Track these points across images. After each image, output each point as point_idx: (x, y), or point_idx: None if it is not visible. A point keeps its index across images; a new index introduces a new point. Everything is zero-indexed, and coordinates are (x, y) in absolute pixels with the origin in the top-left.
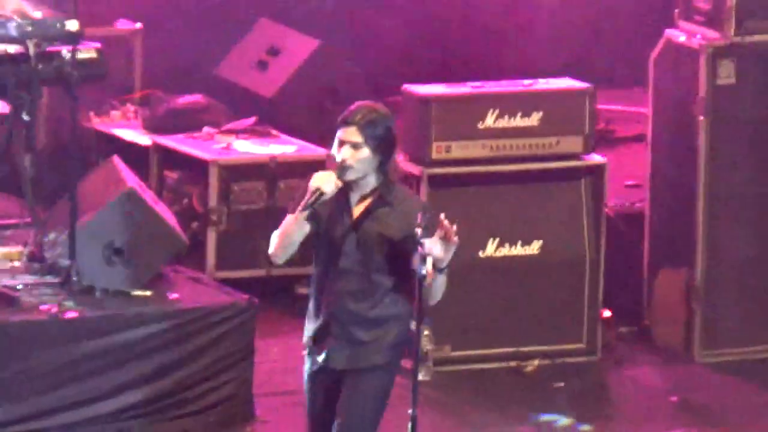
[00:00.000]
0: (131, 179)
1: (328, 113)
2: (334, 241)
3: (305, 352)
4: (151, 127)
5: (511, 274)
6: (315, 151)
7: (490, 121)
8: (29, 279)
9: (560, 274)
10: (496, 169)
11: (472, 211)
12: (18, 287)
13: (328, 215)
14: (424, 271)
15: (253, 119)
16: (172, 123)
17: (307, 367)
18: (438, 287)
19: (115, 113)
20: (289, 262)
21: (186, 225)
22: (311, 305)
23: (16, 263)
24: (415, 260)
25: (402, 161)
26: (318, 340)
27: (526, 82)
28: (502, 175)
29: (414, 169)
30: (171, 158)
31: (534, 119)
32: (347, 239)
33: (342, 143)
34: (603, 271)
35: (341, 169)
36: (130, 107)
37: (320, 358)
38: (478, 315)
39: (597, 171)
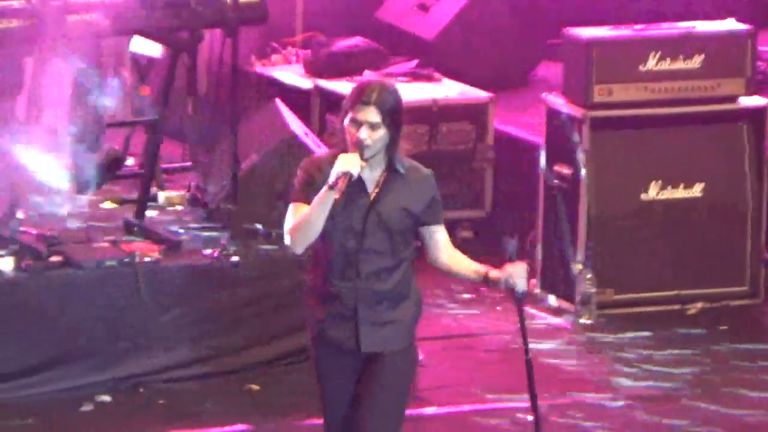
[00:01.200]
0: (293, 123)
1: (489, 56)
2: (353, 222)
3: (314, 336)
4: (313, 70)
5: (673, 216)
6: (477, 94)
7: (651, 63)
8: (192, 223)
9: (722, 216)
10: (657, 111)
11: (633, 154)
12: (180, 232)
13: (340, 197)
14: (524, 288)
15: (414, 62)
16: (334, 66)
17: (322, 352)
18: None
19: (277, 57)
20: (451, 206)
21: None
22: (319, 289)
23: (179, 207)
24: (511, 275)
25: (564, 104)
26: (339, 325)
27: (688, 24)
28: (663, 118)
29: (576, 111)
30: (332, 101)
31: (695, 62)
32: (369, 219)
33: (359, 123)
34: (766, 213)
35: (362, 148)
36: (292, 51)
37: (346, 342)
38: (641, 258)
39: (758, 113)
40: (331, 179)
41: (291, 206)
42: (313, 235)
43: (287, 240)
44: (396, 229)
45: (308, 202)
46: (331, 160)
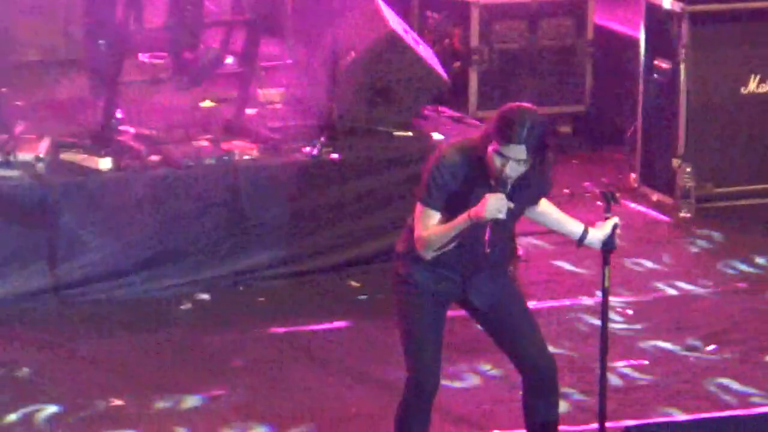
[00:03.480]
0: (392, 20)
1: None
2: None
3: (412, 290)
4: None
5: None
6: None
7: None
8: (292, 121)
9: None
10: (757, 5)
11: (732, 48)
12: (280, 129)
13: (474, 196)
14: (617, 241)
15: None
16: None
17: (429, 286)
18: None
19: None
20: (551, 102)
21: (447, 65)
22: (426, 261)
23: (278, 105)
24: (606, 228)
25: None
26: (445, 283)
27: None
28: (763, 12)
29: (675, 5)
30: None
31: None
32: (498, 220)
33: (506, 158)
34: None
35: (506, 180)
36: None
37: (452, 294)
38: (740, 151)
39: None
40: (475, 216)
41: (422, 209)
42: (445, 248)
43: (418, 245)
44: (519, 217)
45: (440, 209)
46: (466, 160)
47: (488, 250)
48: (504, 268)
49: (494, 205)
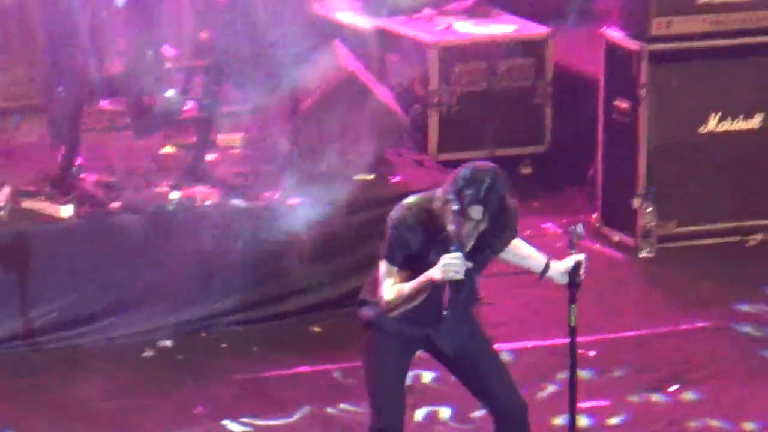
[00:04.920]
0: (352, 63)
1: None
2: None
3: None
4: (372, 10)
5: (733, 148)
6: (535, 29)
7: None
8: (252, 166)
9: None
10: (716, 43)
11: (692, 87)
12: (240, 174)
13: (434, 253)
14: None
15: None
16: (392, 6)
17: (388, 341)
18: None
19: None
20: (511, 143)
21: (407, 108)
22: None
23: (238, 150)
24: (568, 263)
25: (622, 38)
26: (416, 330)
27: None
28: (722, 50)
29: (633, 45)
30: (392, 41)
31: None
32: (467, 274)
33: (463, 218)
34: None
35: (462, 239)
36: None
37: (422, 338)
38: (701, 191)
39: None
40: (434, 278)
41: (385, 265)
42: (407, 306)
43: (381, 304)
44: (485, 269)
45: (402, 266)
46: (423, 220)
47: (446, 312)
48: (470, 313)
49: (450, 266)
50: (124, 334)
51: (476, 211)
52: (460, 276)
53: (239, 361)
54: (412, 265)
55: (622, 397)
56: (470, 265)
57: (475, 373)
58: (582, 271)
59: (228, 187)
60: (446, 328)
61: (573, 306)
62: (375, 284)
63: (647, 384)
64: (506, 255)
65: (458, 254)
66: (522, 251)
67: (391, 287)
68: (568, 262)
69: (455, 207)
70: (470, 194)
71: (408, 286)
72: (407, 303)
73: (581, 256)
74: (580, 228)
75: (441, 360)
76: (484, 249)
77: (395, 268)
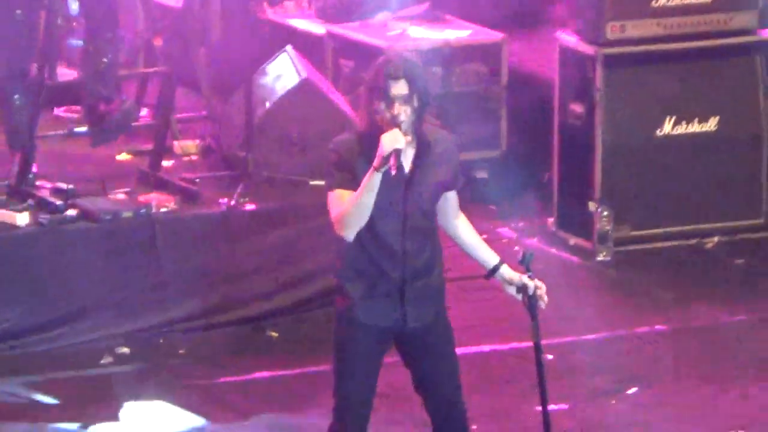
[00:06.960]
0: (306, 69)
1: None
2: (393, 203)
3: (347, 316)
4: (325, 15)
5: (688, 151)
6: (490, 34)
7: None
8: (207, 172)
9: (738, 150)
10: (671, 47)
11: (647, 90)
12: (196, 180)
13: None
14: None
15: (426, 4)
16: (346, 11)
17: (354, 332)
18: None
19: (289, 3)
20: (466, 147)
21: None
22: (359, 270)
23: (194, 156)
24: (524, 279)
25: (576, 42)
26: (381, 303)
27: None
28: (677, 53)
29: (588, 49)
30: (345, 47)
31: None
32: (408, 198)
33: (391, 99)
34: None
35: (399, 124)
36: None
37: (389, 319)
38: (657, 194)
39: None
40: (377, 162)
41: (333, 194)
42: (364, 219)
43: (338, 227)
44: (433, 203)
45: (350, 186)
46: (360, 140)
47: (407, 246)
48: (438, 283)
49: (389, 138)
50: (82, 341)
51: (400, 86)
52: (401, 145)
53: (196, 367)
54: (357, 186)
55: (579, 401)
56: (409, 138)
57: (425, 359)
58: (542, 303)
59: (184, 194)
60: (417, 292)
61: (534, 321)
62: (338, 245)
63: (605, 387)
64: (459, 235)
65: (394, 130)
66: (477, 241)
67: (340, 204)
68: (523, 278)
69: (379, 91)
70: (389, 70)
71: (356, 193)
72: (361, 216)
73: (540, 289)
74: (531, 254)
75: (405, 354)
76: (427, 174)
77: (341, 191)
